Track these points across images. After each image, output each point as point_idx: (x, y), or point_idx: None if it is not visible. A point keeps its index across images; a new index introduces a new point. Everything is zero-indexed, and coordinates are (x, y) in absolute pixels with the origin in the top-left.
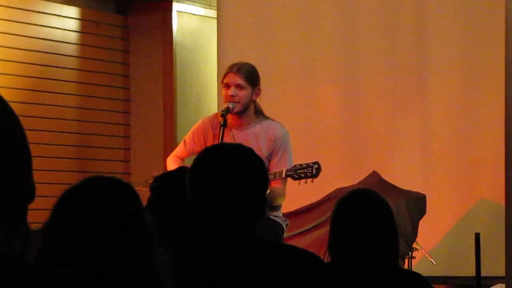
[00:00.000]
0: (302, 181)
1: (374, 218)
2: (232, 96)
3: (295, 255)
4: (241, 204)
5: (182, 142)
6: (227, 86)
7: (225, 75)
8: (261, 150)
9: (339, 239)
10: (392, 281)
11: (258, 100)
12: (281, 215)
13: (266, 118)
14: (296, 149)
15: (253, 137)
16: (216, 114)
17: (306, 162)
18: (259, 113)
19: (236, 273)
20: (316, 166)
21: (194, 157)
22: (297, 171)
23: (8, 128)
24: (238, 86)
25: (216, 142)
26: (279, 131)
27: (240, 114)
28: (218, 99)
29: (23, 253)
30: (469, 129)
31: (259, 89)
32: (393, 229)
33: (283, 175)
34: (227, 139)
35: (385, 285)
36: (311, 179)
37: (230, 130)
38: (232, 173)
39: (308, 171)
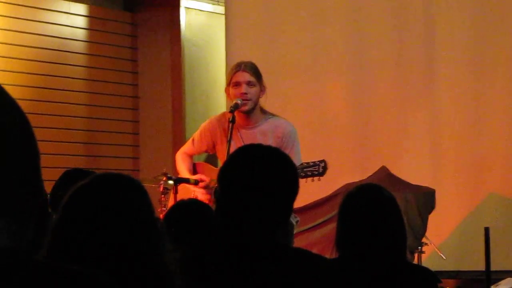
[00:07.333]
0: (309, 179)
1: (380, 212)
2: (245, 93)
3: (310, 262)
4: (267, 210)
5: (191, 140)
6: (238, 84)
7: (233, 74)
8: None
9: (346, 234)
10: (399, 276)
11: (264, 98)
12: None
13: (273, 115)
14: (305, 145)
15: (261, 135)
16: (223, 113)
17: (313, 161)
18: (265, 111)
19: (250, 277)
20: (322, 164)
21: (202, 155)
22: (304, 170)
23: (16, 126)
24: (249, 83)
25: (224, 140)
26: (286, 128)
27: (249, 112)
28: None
29: (33, 250)
30: (478, 123)
31: (264, 86)
32: (400, 223)
33: None
34: (235, 139)
35: (393, 279)
36: (317, 177)
37: (238, 130)
38: (262, 179)
39: (315, 170)
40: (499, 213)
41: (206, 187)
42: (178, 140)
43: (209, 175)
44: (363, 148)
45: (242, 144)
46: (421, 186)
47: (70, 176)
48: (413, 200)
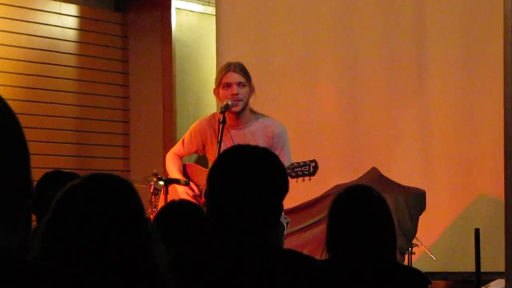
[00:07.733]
0: (300, 179)
1: (370, 213)
2: (236, 94)
3: (300, 263)
4: (257, 211)
5: (180, 141)
6: (228, 85)
7: (223, 75)
8: None
9: (336, 235)
10: (390, 277)
11: (253, 98)
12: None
13: (263, 115)
14: (296, 146)
15: (251, 135)
16: (213, 114)
17: (304, 160)
18: (254, 112)
19: (240, 278)
20: (313, 164)
21: (192, 156)
22: (295, 169)
23: (6, 126)
24: (240, 84)
25: (215, 141)
26: (276, 128)
27: (240, 113)
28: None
29: (23, 250)
30: (468, 124)
31: (253, 86)
32: (390, 224)
33: None
34: (225, 140)
35: (383, 281)
36: (308, 177)
37: (228, 130)
38: (251, 179)
39: (305, 169)
40: (489, 214)
41: (194, 196)
42: (169, 141)
43: (199, 176)
44: (354, 149)
45: (232, 144)
46: (412, 187)
47: (50, 178)
48: (403, 201)
